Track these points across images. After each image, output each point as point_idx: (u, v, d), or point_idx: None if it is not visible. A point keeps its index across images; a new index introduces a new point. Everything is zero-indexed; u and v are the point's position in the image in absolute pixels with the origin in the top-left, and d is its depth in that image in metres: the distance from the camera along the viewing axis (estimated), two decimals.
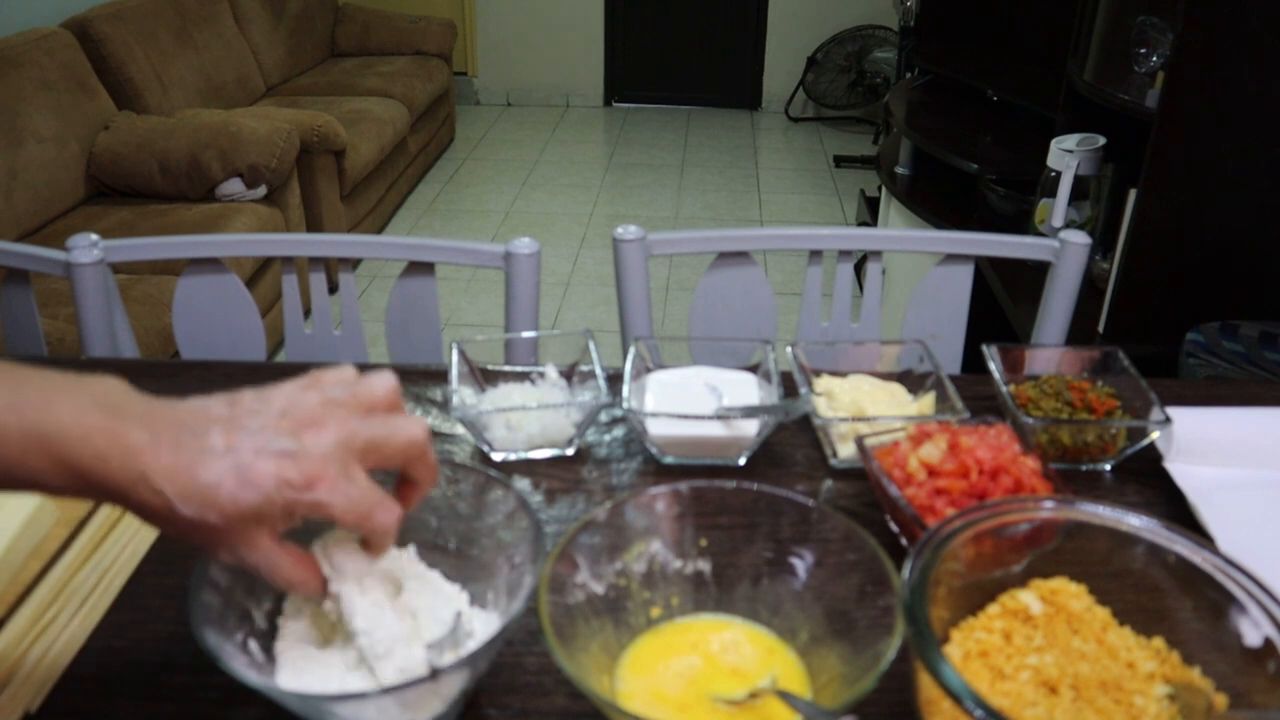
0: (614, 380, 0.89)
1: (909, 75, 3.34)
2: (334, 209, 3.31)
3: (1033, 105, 2.49)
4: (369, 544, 0.56)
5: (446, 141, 4.75)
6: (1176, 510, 0.78)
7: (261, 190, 2.87)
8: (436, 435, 0.89)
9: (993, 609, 0.58)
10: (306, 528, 0.54)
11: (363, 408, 0.52)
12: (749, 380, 0.89)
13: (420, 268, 1.23)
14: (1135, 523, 0.58)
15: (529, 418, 0.83)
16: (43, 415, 0.47)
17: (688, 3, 5.24)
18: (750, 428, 0.82)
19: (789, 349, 0.92)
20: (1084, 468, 0.84)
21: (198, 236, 1.26)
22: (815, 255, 1.28)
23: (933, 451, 0.72)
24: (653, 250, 1.23)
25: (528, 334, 1.18)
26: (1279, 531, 0.74)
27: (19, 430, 0.47)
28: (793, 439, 0.88)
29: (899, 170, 2.78)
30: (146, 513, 0.49)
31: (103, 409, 0.48)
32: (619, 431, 0.89)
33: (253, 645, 0.57)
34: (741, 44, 5.31)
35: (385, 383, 0.54)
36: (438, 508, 0.65)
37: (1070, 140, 1.85)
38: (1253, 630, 0.52)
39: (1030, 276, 1.82)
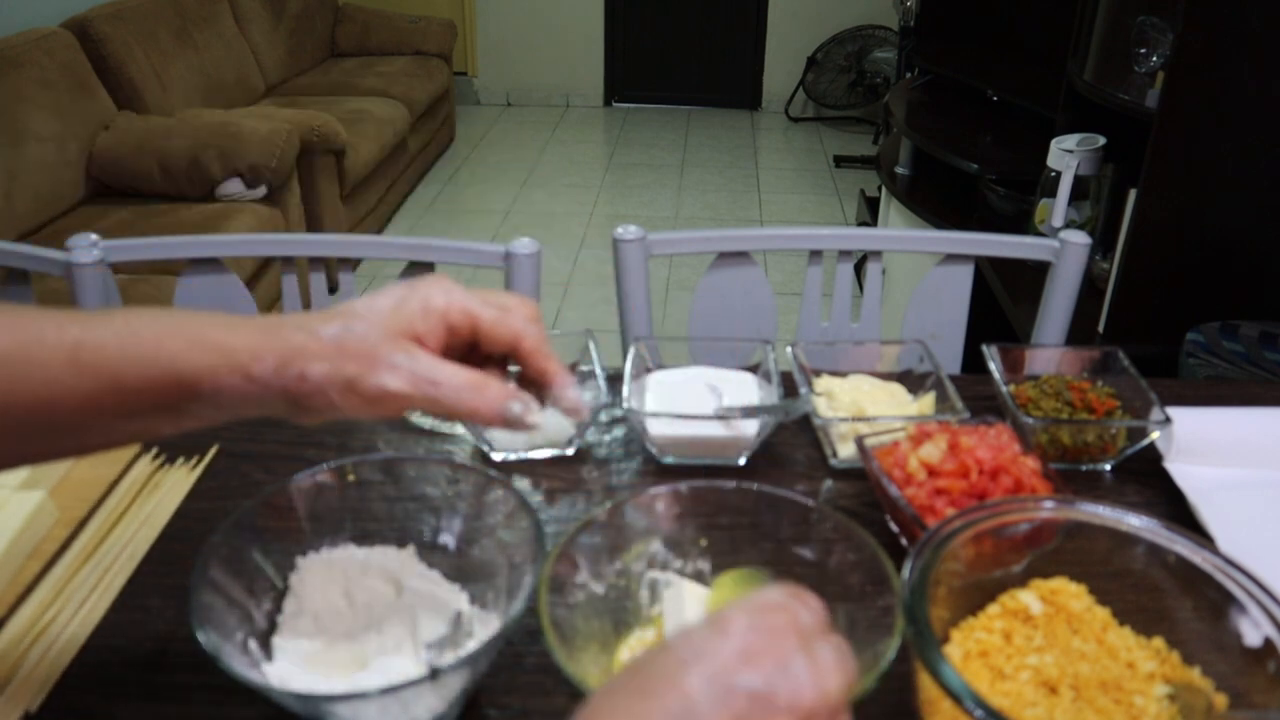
0: (614, 380, 0.89)
1: (909, 75, 3.34)
2: (334, 209, 3.31)
3: (1033, 105, 2.49)
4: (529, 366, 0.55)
5: (446, 141, 4.75)
6: (1176, 510, 0.78)
7: (261, 190, 2.87)
8: (436, 435, 0.89)
9: (993, 609, 0.58)
10: None
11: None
12: (749, 380, 0.89)
13: (420, 268, 1.23)
14: (1135, 523, 0.58)
15: None
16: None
17: (688, 3, 5.23)
18: (750, 428, 0.82)
19: (789, 349, 0.92)
20: (1084, 468, 0.84)
21: (198, 236, 1.26)
22: (815, 255, 1.28)
23: (933, 451, 0.72)
24: (653, 250, 1.23)
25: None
26: (1279, 531, 0.74)
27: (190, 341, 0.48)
28: (793, 439, 0.88)
29: (899, 170, 2.78)
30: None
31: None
32: (619, 431, 0.89)
33: (252, 645, 0.57)
34: (741, 44, 5.31)
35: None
36: (438, 508, 0.65)
37: (1070, 140, 1.85)
38: (1253, 630, 0.52)
39: (1030, 276, 1.82)
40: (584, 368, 0.90)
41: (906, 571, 0.53)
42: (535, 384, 0.55)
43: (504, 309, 0.53)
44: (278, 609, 0.60)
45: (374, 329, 0.49)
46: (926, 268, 1.28)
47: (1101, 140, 1.83)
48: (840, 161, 4.59)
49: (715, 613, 0.40)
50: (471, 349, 0.54)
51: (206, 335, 0.48)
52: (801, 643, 0.39)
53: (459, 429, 0.89)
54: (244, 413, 0.50)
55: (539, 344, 0.54)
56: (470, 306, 0.52)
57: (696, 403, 0.86)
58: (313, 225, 3.22)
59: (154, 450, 0.85)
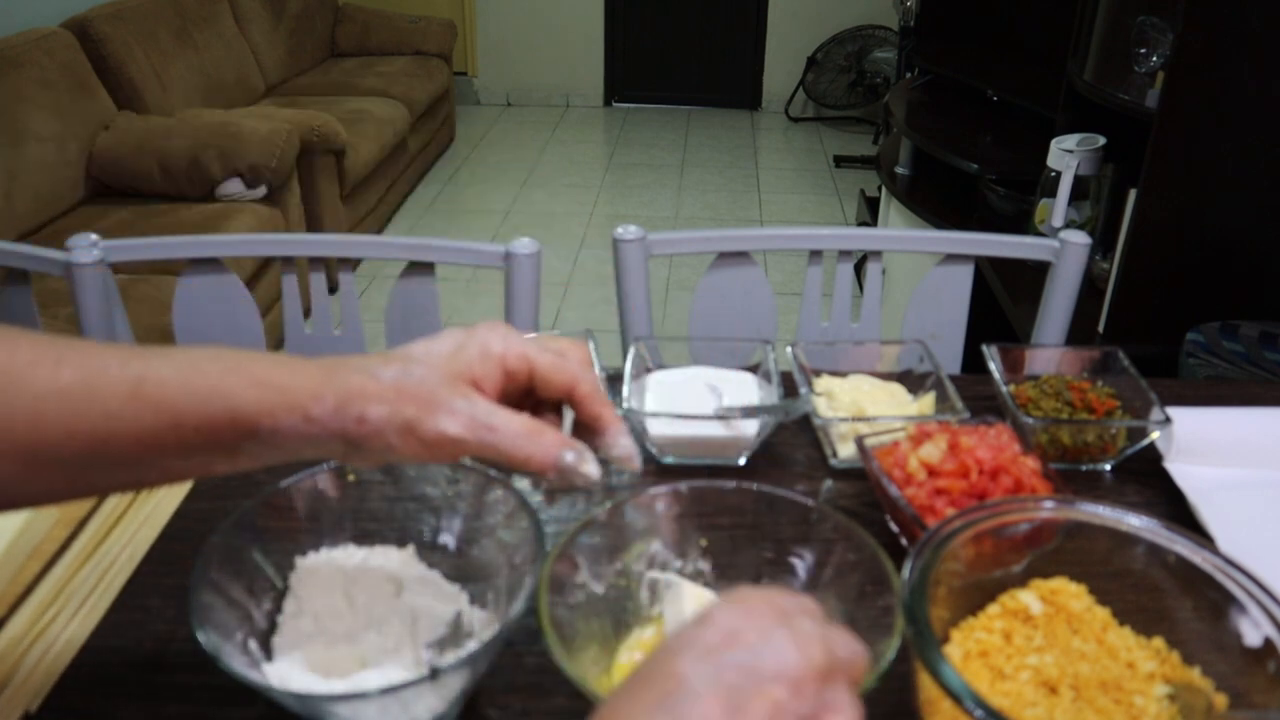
0: (614, 380, 0.89)
1: (909, 75, 3.34)
2: (334, 209, 3.31)
3: (1033, 105, 2.49)
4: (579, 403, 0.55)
5: (446, 141, 4.75)
6: (1176, 510, 0.78)
7: (261, 190, 2.87)
8: None
9: (993, 609, 0.58)
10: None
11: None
12: (749, 380, 0.89)
13: (420, 268, 1.23)
14: (1135, 523, 0.58)
15: None
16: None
17: (688, 3, 5.23)
18: (750, 428, 0.82)
19: (789, 349, 0.92)
20: (1084, 468, 0.84)
21: (198, 236, 1.26)
22: (815, 255, 1.28)
23: (933, 451, 0.72)
24: (653, 250, 1.23)
25: (528, 334, 1.18)
26: (1279, 531, 0.74)
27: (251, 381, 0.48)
28: (793, 439, 0.88)
29: (899, 170, 2.78)
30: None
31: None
32: None
33: (252, 645, 0.57)
34: (741, 44, 5.31)
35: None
36: (438, 508, 0.65)
37: (1070, 140, 1.85)
38: (1253, 630, 0.52)
39: (1030, 276, 1.82)
40: None
41: (906, 571, 0.53)
42: (588, 429, 0.56)
43: (560, 354, 0.54)
44: (278, 609, 0.60)
45: (433, 372, 0.49)
46: (926, 268, 1.28)
47: (1101, 140, 1.83)
48: (840, 161, 4.59)
49: (701, 610, 0.43)
50: (525, 395, 0.55)
51: (266, 375, 0.48)
52: (781, 619, 0.41)
53: None
54: (300, 454, 0.49)
55: (594, 389, 0.55)
56: (527, 351, 0.53)
57: (696, 403, 0.86)
58: (313, 225, 3.22)
59: None
